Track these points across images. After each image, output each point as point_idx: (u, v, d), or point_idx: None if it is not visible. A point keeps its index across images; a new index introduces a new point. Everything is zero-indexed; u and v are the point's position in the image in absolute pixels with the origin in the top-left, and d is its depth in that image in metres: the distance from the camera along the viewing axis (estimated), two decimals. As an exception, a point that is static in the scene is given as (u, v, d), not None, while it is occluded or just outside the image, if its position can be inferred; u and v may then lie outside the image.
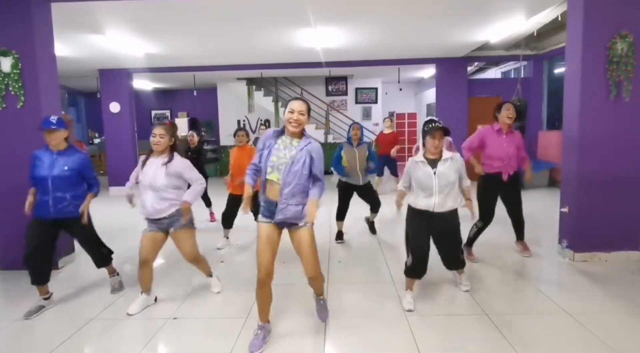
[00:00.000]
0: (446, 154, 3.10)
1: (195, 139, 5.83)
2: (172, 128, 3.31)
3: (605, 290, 3.40)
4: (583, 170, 4.04)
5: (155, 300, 3.40)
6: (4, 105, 4.09)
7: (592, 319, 2.90)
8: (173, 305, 3.30)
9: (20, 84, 4.05)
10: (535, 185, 8.47)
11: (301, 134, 2.65)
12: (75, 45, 6.81)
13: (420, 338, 2.70)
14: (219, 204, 6.19)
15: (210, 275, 3.60)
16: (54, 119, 3.27)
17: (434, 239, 3.24)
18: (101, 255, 3.57)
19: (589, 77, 3.95)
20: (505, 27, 6.48)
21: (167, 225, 3.20)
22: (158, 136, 3.15)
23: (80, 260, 4.50)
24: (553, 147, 8.53)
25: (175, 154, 3.23)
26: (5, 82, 4.05)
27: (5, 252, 4.26)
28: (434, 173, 3.02)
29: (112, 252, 3.66)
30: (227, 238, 4.97)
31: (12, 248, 4.22)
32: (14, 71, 4.04)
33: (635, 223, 4.07)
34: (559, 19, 6.07)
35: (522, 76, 9.12)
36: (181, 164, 3.20)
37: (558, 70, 9.05)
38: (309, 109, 2.65)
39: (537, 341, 2.65)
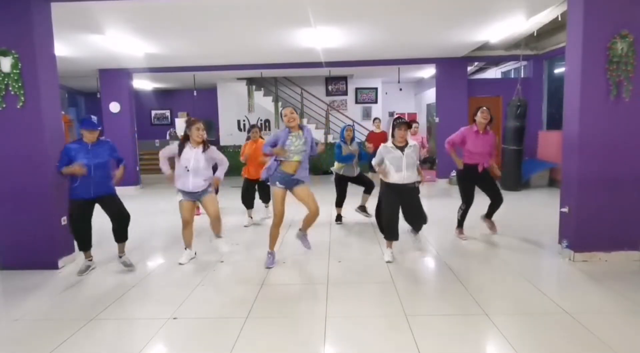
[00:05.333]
0: (410, 141, 4.14)
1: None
2: (206, 123, 4.26)
3: (605, 290, 3.40)
4: (583, 170, 4.04)
5: (195, 254, 4.47)
6: (4, 105, 4.08)
7: (592, 319, 2.90)
8: (173, 305, 3.30)
9: (20, 84, 4.05)
10: (535, 185, 8.47)
11: (298, 126, 3.94)
12: (75, 45, 6.81)
13: (420, 338, 2.70)
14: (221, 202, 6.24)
15: (219, 235, 4.44)
16: (94, 119, 3.98)
17: (403, 207, 4.18)
18: (125, 229, 4.13)
19: (589, 77, 3.95)
20: (505, 27, 6.48)
21: (197, 197, 4.15)
22: (201, 130, 4.08)
23: (80, 260, 4.50)
24: (553, 147, 8.53)
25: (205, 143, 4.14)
26: (5, 82, 4.05)
27: (6, 252, 4.25)
28: (403, 154, 4.05)
29: (127, 233, 4.20)
30: (251, 218, 5.90)
31: (12, 248, 4.23)
32: (14, 71, 4.04)
33: (635, 223, 4.07)
34: (559, 19, 6.07)
35: (522, 76, 9.12)
36: (212, 149, 4.19)
37: (558, 70, 9.04)
38: (295, 109, 4.06)
39: (537, 341, 2.64)
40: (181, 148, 4.07)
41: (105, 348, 2.74)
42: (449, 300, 3.30)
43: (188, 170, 4.01)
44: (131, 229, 4.13)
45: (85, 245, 4.10)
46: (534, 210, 6.45)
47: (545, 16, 5.97)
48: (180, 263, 4.24)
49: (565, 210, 4.22)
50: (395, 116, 4.08)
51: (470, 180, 4.83)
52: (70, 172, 3.82)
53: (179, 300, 3.39)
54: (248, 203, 5.87)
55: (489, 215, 4.97)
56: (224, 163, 4.26)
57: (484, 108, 4.73)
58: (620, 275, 3.73)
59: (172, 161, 4.19)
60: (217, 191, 6.11)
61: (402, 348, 2.60)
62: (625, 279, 3.63)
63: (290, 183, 3.96)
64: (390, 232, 4.23)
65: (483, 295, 3.33)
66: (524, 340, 2.65)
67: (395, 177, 4.08)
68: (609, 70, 3.92)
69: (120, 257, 4.17)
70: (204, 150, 4.10)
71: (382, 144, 4.21)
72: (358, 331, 2.84)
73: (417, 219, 4.25)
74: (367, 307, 3.22)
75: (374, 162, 4.22)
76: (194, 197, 4.16)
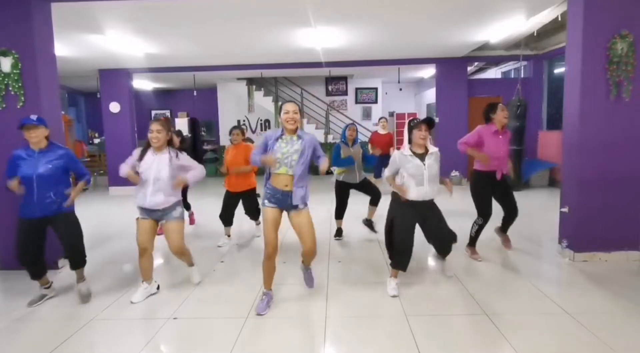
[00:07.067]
0: (431, 148, 3.38)
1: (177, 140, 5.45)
2: (167, 123, 3.44)
3: (605, 290, 3.40)
4: (583, 170, 4.04)
5: (158, 288, 3.56)
6: (4, 105, 4.08)
7: (592, 319, 2.90)
8: (173, 305, 3.30)
9: (20, 84, 4.05)
10: (535, 185, 8.47)
11: (295, 131, 3.10)
12: (75, 45, 6.80)
13: (420, 338, 2.70)
14: (218, 204, 6.23)
15: (191, 264, 3.73)
16: (34, 116, 3.28)
17: (424, 228, 3.48)
18: (80, 255, 3.48)
19: (589, 77, 3.95)
20: (505, 27, 6.48)
21: (159, 217, 3.36)
22: (155, 132, 3.29)
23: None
24: (553, 147, 8.53)
25: (172, 149, 3.40)
26: (5, 82, 4.05)
27: (6, 252, 4.25)
28: (424, 165, 3.30)
29: (85, 257, 3.54)
30: (229, 236, 5.00)
31: (12, 249, 4.21)
32: (14, 71, 4.04)
33: (635, 223, 4.07)
34: (559, 19, 6.07)
35: (522, 76, 9.12)
36: (183, 157, 3.41)
37: (558, 70, 9.05)
38: (300, 109, 3.19)
39: (537, 341, 2.64)
40: (143, 153, 3.33)
41: (105, 348, 2.74)
42: (449, 300, 3.31)
43: (146, 181, 3.26)
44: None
45: (36, 274, 3.41)
46: (534, 210, 6.44)
47: (545, 16, 5.97)
48: (132, 302, 3.36)
49: (565, 210, 4.22)
50: (411, 118, 3.44)
51: (486, 190, 4.13)
52: (12, 189, 3.18)
53: (179, 300, 3.39)
54: (226, 219, 4.95)
55: (503, 230, 4.43)
56: (197, 168, 3.45)
57: (502, 105, 4.09)
58: (620, 275, 3.73)
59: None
60: (185, 198, 5.29)
61: (402, 349, 2.61)
62: (625, 279, 3.63)
63: (284, 203, 3.11)
64: (400, 261, 3.41)
65: (483, 295, 3.33)
66: (524, 340, 2.65)
67: (415, 193, 3.30)
68: (609, 70, 3.92)
69: (78, 282, 3.51)
70: (171, 158, 3.32)
71: (396, 151, 3.43)
72: (358, 331, 2.84)
73: (444, 239, 3.47)
74: (367, 307, 3.22)
75: (386, 173, 3.50)
76: (155, 217, 3.34)
